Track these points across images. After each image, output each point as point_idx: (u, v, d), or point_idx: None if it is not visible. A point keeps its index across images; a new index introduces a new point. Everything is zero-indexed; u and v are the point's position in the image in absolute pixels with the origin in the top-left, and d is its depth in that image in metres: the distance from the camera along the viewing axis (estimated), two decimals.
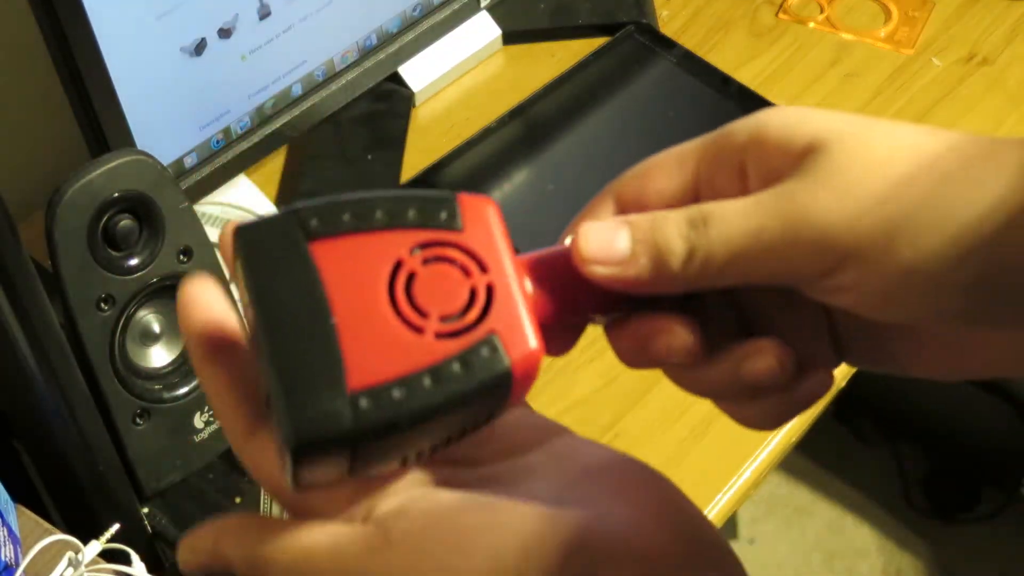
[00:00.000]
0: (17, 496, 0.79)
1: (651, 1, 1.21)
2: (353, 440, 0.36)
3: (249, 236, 0.37)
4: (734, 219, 0.37)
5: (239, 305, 0.39)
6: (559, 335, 0.41)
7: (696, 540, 0.36)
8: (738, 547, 1.77)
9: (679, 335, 0.39)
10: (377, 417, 0.36)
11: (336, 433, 0.36)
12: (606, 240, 0.39)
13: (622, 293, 0.40)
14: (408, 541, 0.37)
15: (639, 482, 0.38)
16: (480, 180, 1.07)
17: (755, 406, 0.40)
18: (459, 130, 1.12)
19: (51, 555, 0.72)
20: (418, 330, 0.37)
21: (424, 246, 0.38)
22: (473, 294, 0.38)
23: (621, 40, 1.16)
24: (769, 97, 1.11)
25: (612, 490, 0.37)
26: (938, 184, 0.36)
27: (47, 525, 0.78)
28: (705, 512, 0.90)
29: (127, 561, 0.74)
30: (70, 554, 0.72)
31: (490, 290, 0.38)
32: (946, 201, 0.35)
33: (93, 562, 0.73)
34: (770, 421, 0.41)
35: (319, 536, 0.38)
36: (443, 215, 0.38)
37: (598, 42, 1.17)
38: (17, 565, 0.73)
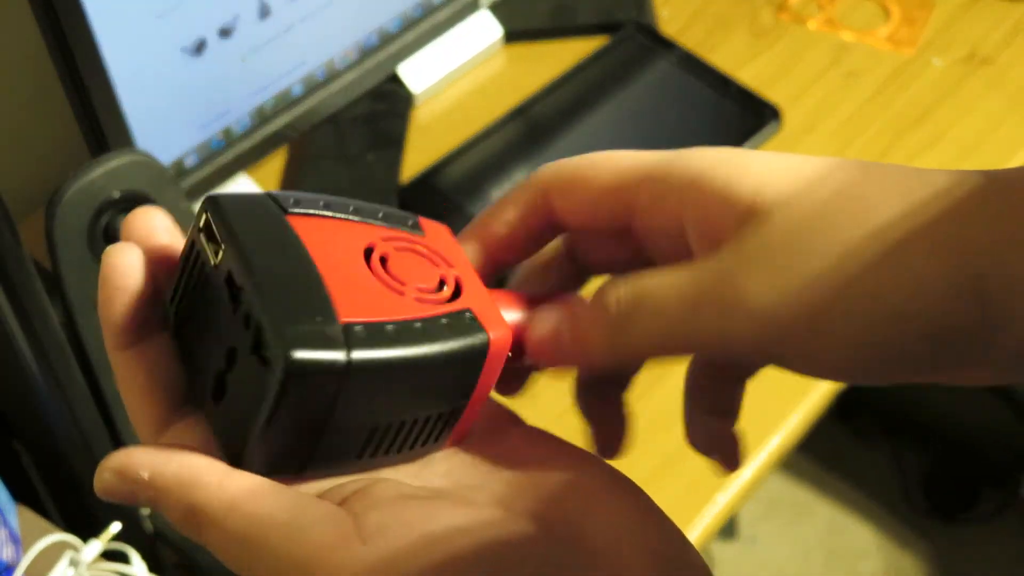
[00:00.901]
0: (17, 496, 0.79)
1: (651, 1, 1.21)
2: (347, 368, 0.33)
3: (224, 202, 0.36)
4: (670, 296, 0.37)
5: (178, 276, 0.37)
6: (510, 375, 0.41)
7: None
8: (739, 547, 1.77)
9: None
10: (372, 347, 0.34)
11: (330, 358, 0.33)
12: (549, 339, 0.39)
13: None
14: (385, 541, 0.33)
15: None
16: (480, 180, 1.07)
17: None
18: (459, 130, 1.11)
19: (51, 555, 0.72)
20: (399, 292, 0.37)
21: (393, 239, 0.39)
22: (443, 281, 0.38)
23: (621, 40, 1.16)
24: (769, 97, 1.11)
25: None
26: (869, 261, 0.34)
27: (47, 525, 0.78)
28: (705, 512, 0.90)
29: (127, 561, 0.74)
30: (70, 554, 0.72)
31: (458, 281, 0.38)
32: (872, 280, 0.34)
33: (93, 562, 0.73)
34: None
35: (274, 508, 0.33)
36: (409, 222, 0.40)
37: (598, 42, 1.18)
38: (17, 565, 0.73)
